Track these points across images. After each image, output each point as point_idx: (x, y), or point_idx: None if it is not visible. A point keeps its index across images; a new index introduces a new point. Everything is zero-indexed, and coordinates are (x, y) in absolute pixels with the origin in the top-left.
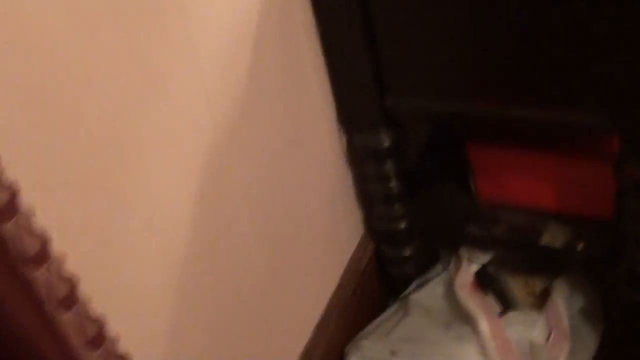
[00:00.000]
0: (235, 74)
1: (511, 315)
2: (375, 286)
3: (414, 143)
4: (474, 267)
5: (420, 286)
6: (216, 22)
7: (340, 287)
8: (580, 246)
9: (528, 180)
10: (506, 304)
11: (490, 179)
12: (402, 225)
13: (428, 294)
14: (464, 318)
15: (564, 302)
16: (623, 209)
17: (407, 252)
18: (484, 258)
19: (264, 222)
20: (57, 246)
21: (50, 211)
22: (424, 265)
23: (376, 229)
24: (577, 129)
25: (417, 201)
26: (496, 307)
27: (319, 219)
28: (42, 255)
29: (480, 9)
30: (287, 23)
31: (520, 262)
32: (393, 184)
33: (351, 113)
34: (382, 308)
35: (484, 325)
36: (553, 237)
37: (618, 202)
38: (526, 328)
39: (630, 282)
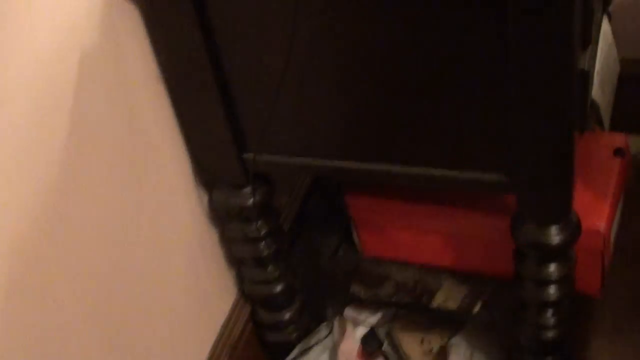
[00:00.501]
0: (51, 136)
1: None
2: (252, 355)
3: (290, 198)
4: (361, 331)
5: (302, 354)
6: (29, 66)
7: None
8: (476, 308)
9: (417, 234)
10: None
11: (374, 233)
12: (278, 288)
13: None
14: None
15: None
16: (522, 270)
17: (286, 316)
18: (372, 319)
19: (105, 309)
20: None
21: None
22: (306, 330)
23: (250, 293)
24: (470, 188)
25: (294, 261)
26: None
27: (180, 289)
28: None
29: (341, 58)
30: (123, 70)
31: (415, 319)
32: (263, 244)
33: (209, 169)
34: None
35: None
36: (447, 297)
37: (517, 262)
38: None
39: (533, 348)
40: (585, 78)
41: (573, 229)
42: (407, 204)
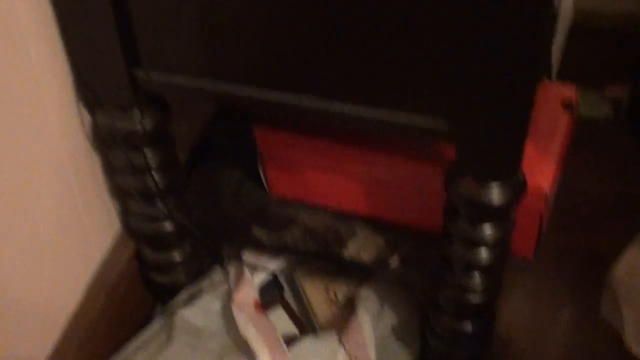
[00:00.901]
0: None
1: (305, 343)
2: (136, 297)
3: (190, 125)
4: (260, 277)
5: (191, 299)
6: None
7: (86, 302)
8: (393, 263)
9: (333, 176)
10: (300, 323)
11: (284, 170)
12: (168, 226)
13: (200, 312)
14: (243, 348)
15: (369, 322)
16: (452, 228)
17: (176, 256)
18: (273, 265)
19: None
20: None
21: None
22: (197, 273)
23: (135, 229)
24: (403, 133)
25: (189, 196)
26: (290, 328)
27: (51, 220)
28: None
29: None
30: None
31: (321, 267)
32: (153, 177)
33: (92, 86)
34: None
35: None
36: (361, 247)
37: (447, 219)
38: None
39: (452, 311)
40: (554, 22)
41: (518, 188)
42: (324, 141)
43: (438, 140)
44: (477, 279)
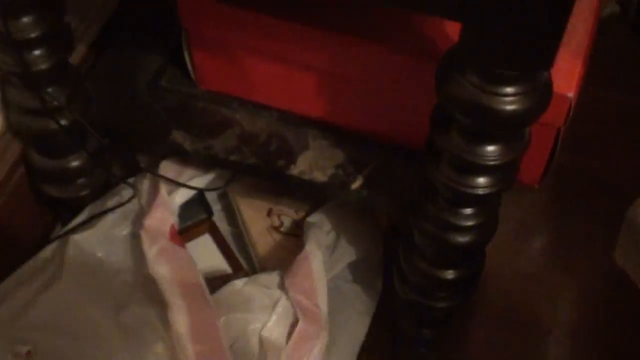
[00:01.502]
0: None
1: (235, 287)
2: (27, 212)
3: None
4: (182, 196)
5: (92, 219)
6: None
7: None
8: (356, 183)
9: (281, 66)
10: (231, 256)
11: (216, 56)
12: (60, 123)
13: (100, 238)
14: (153, 290)
15: (320, 259)
16: (440, 141)
17: (72, 163)
18: (199, 180)
19: None
20: None
21: None
22: (102, 187)
23: (17, 126)
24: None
25: (91, 85)
26: (218, 263)
27: None
28: None
29: None
30: None
31: (262, 186)
32: (38, 55)
33: None
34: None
35: (180, 316)
36: (314, 163)
37: (434, 130)
38: (257, 315)
39: (430, 253)
40: None
41: (543, 95)
42: (271, 18)
43: (446, 16)
44: (468, 212)
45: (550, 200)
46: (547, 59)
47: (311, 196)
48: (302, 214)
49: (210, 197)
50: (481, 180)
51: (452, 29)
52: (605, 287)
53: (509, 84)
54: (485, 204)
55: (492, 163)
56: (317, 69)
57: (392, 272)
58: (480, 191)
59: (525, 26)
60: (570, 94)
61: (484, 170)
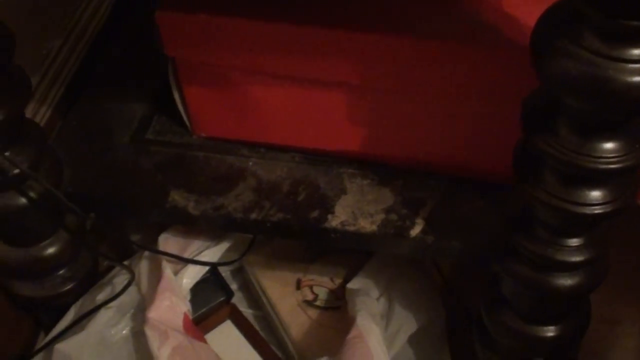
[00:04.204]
0: None
1: None
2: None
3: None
4: (192, 277)
5: (81, 320)
6: None
7: None
8: (415, 230)
9: (302, 91)
10: (261, 343)
11: (215, 93)
12: (29, 194)
13: (91, 343)
14: None
15: (379, 335)
16: (538, 145)
17: (47, 251)
18: (210, 253)
19: None
20: None
21: None
22: (88, 277)
23: None
24: None
25: (61, 144)
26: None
27: None
28: None
29: None
30: None
31: (289, 249)
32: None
33: None
34: None
35: None
36: (356, 210)
37: (531, 131)
38: None
39: (525, 306)
40: None
41: None
42: (277, 25)
43: None
44: (576, 243)
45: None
46: None
47: (350, 253)
48: (339, 280)
49: (225, 275)
50: (597, 194)
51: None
52: None
53: None
54: (598, 231)
55: (613, 167)
56: (343, 85)
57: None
58: (598, 209)
59: None
60: None
61: (602, 178)
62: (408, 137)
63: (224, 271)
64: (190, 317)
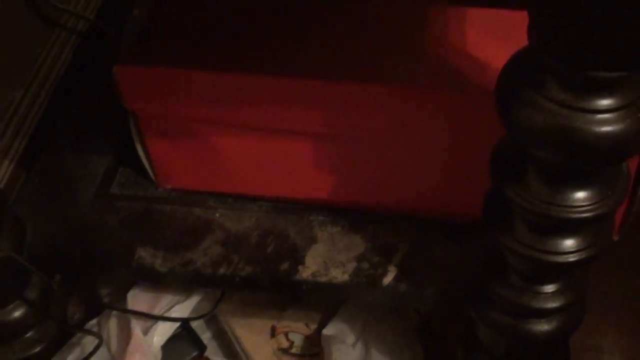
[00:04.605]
0: None
1: None
2: None
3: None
4: (161, 333)
5: None
6: None
7: None
8: (388, 278)
9: (268, 140)
10: None
11: (179, 145)
12: None
13: None
14: None
15: None
16: (508, 195)
17: (13, 314)
18: (181, 308)
19: None
20: None
21: None
22: (56, 339)
23: None
24: None
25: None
26: None
27: None
28: None
29: None
30: None
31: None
32: None
33: None
34: None
35: None
36: (327, 260)
37: (499, 181)
38: None
39: (502, 350)
40: None
41: None
42: (239, 75)
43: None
44: (551, 289)
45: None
46: None
47: (326, 302)
48: (314, 326)
49: (197, 325)
50: (571, 242)
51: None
52: None
53: (609, 95)
54: (573, 277)
55: (585, 216)
56: (308, 133)
57: None
58: (571, 257)
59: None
60: None
61: (574, 227)
62: (377, 183)
63: (198, 323)
64: None
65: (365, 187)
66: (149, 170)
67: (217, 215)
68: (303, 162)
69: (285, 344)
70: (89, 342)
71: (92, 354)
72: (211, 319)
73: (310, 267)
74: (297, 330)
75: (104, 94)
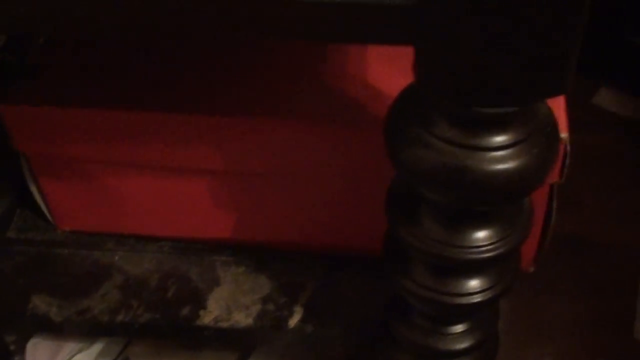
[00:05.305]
0: None
1: None
2: None
3: None
4: None
5: None
6: None
7: None
8: (294, 319)
9: (164, 179)
10: None
11: (74, 187)
12: None
13: None
14: None
15: None
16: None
17: None
18: (85, 356)
19: None
20: None
21: None
22: None
23: None
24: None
25: None
26: None
27: None
28: None
29: None
30: None
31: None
32: None
33: None
34: None
35: None
36: (230, 303)
37: (394, 223)
38: None
39: None
40: None
41: (547, 146)
42: (130, 113)
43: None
44: (459, 330)
45: (545, 285)
46: (563, 77)
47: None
48: None
49: None
50: (473, 283)
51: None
52: None
53: (500, 131)
54: (482, 315)
55: (486, 256)
56: (206, 171)
57: None
58: (475, 298)
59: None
60: (564, 135)
61: (476, 267)
62: (280, 219)
63: None
64: None
65: (267, 224)
66: (46, 212)
67: (116, 258)
68: (202, 201)
69: None
70: None
71: None
72: None
73: (213, 312)
74: None
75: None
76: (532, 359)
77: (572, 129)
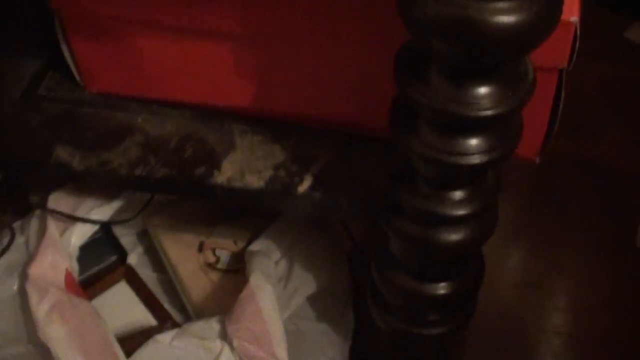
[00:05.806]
0: None
1: (163, 341)
2: None
3: None
4: (80, 234)
5: None
6: None
7: None
8: (302, 187)
9: (192, 44)
10: (156, 306)
11: (104, 46)
12: None
13: None
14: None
15: (272, 297)
16: (411, 94)
17: None
18: (100, 212)
19: None
20: None
21: None
22: None
23: None
24: None
25: None
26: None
27: None
28: None
29: None
30: None
31: (186, 210)
32: None
33: None
34: None
35: None
36: (244, 167)
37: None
38: None
39: (412, 261)
40: None
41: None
42: None
43: None
44: (459, 196)
45: (542, 195)
46: None
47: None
48: (242, 243)
49: (129, 239)
50: (473, 143)
51: None
52: (604, 292)
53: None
54: (481, 182)
55: (486, 113)
56: (230, 36)
57: (364, 300)
58: (475, 159)
59: None
60: (575, 19)
61: (476, 126)
62: (298, 91)
63: (129, 234)
64: (75, 274)
65: (286, 96)
66: (75, 73)
67: (139, 119)
68: (223, 67)
69: (211, 259)
70: (6, 241)
71: (6, 248)
72: (142, 235)
73: (226, 173)
74: (224, 247)
75: None
76: None
77: (602, 60)
